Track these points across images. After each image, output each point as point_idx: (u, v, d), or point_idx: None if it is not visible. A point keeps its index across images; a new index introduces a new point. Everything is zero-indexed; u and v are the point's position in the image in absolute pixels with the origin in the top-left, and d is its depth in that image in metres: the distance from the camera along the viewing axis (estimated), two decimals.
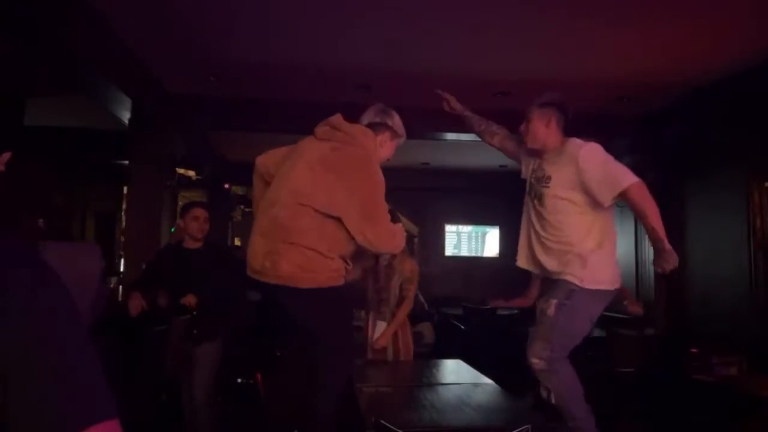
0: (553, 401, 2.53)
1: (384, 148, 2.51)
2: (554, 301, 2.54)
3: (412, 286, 3.62)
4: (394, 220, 2.53)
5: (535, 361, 2.53)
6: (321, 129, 2.44)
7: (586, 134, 6.16)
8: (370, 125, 2.48)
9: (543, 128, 2.78)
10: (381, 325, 3.65)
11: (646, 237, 6.05)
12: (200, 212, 3.54)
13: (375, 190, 2.31)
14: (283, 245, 2.25)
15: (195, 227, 3.51)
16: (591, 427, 2.52)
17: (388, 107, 2.59)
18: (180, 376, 3.62)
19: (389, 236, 2.37)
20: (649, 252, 5.71)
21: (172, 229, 6.68)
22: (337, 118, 2.43)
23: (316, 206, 2.25)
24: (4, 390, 0.66)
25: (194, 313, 3.43)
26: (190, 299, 3.41)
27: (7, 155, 0.85)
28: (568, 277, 2.53)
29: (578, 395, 2.53)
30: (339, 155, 2.32)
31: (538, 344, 2.54)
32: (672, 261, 2.51)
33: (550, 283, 2.68)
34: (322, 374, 2.36)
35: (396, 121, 2.57)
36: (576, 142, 2.71)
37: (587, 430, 2.51)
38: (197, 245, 3.57)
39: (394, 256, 3.45)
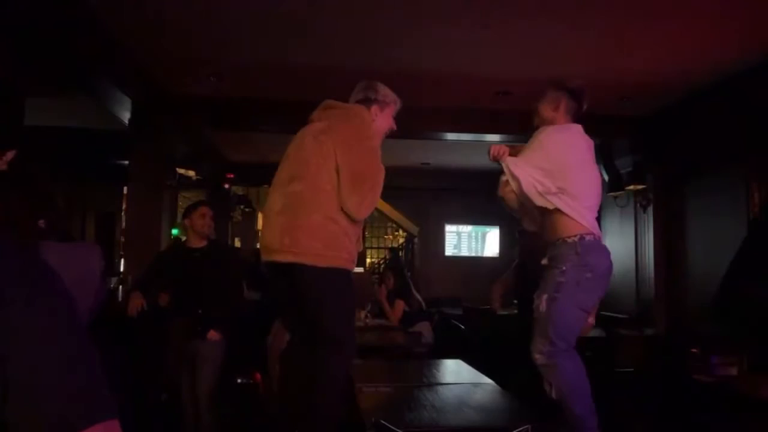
0: (553, 396, 2.53)
1: (379, 119, 2.55)
2: (544, 296, 2.56)
3: None
4: None
5: (537, 357, 2.54)
6: (316, 113, 2.56)
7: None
8: (358, 103, 2.57)
9: (551, 111, 2.83)
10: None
11: (646, 237, 6.06)
12: (206, 210, 3.64)
13: (364, 156, 2.34)
14: (304, 219, 2.26)
15: (201, 224, 3.58)
16: (592, 425, 2.52)
17: (373, 80, 2.65)
18: (181, 376, 3.62)
19: (367, 209, 2.37)
20: (649, 252, 5.71)
21: (175, 231, 6.68)
22: (331, 100, 2.56)
23: (329, 170, 2.28)
24: (3, 390, 0.66)
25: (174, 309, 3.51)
26: (163, 298, 3.50)
27: (10, 154, 0.85)
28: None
29: (580, 390, 2.53)
30: (337, 126, 2.40)
31: (538, 340, 2.56)
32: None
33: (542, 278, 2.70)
34: (323, 372, 2.31)
35: (381, 91, 2.61)
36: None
37: (586, 428, 2.51)
38: (201, 244, 3.59)
39: None
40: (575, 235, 2.57)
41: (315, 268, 2.23)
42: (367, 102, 2.56)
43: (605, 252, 2.67)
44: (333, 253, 2.26)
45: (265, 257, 2.37)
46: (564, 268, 2.54)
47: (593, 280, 2.56)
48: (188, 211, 3.69)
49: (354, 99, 2.61)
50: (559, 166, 2.62)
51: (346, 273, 2.33)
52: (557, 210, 2.63)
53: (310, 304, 2.34)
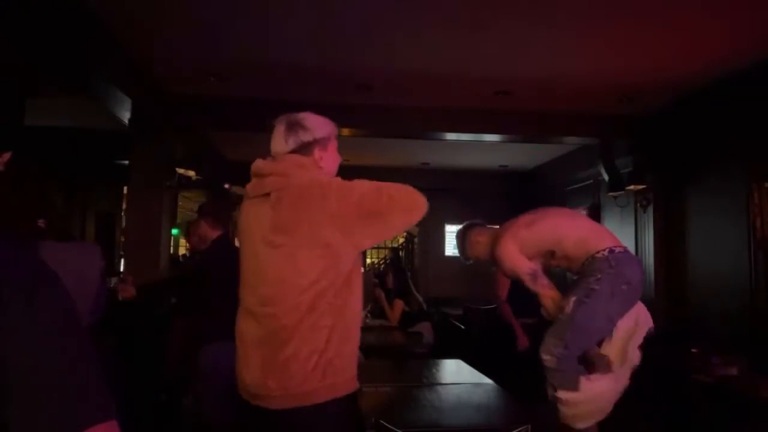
0: (557, 399, 2.53)
1: (324, 162, 1.85)
2: (573, 298, 2.54)
3: None
4: None
5: (547, 358, 2.53)
6: (250, 186, 1.92)
7: (587, 134, 6.16)
8: (292, 153, 1.84)
9: (480, 245, 3.01)
10: None
11: (646, 237, 6.05)
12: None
13: (354, 196, 1.71)
14: (292, 349, 1.65)
15: (193, 243, 4.06)
16: (592, 428, 2.52)
17: (291, 114, 1.89)
18: (180, 376, 3.62)
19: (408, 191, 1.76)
20: (649, 252, 5.71)
21: (175, 231, 6.69)
22: (256, 164, 1.92)
23: (312, 279, 1.66)
24: (4, 390, 0.66)
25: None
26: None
27: (7, 155, 0.85)
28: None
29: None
30: (287, 206, 1.73)
31: (551, 340, 2.54)
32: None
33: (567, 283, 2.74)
34: None
35: (313, 125, 1.86)
36: None
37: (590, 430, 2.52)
38: (203, 246, 3.73)
39: None
40: (604, 249, 2.58)
41: (316, 407, 1.65)
42: (304, 149, 1.83)
43: (638, 263, 2.72)
44: (332, 381, 1.69)
45: (248, 400, 1.76)
46: (599, 276, 2.52)
47: (629, 292, 2.56)
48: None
49: (284, 150, 1.86)
50: (545, 245, 2.71)
51: (353, 398, 1.78)
52: (568, 249, 2.69)
53: None
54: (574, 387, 2.51)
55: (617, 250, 2.59)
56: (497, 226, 2.97)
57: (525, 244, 2.67)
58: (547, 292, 2.64)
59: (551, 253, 2.69)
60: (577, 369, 2.54)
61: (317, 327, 1.66)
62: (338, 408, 1.68)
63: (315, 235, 1.68)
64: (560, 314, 2.57)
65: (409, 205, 1.74)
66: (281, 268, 1.70)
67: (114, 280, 5.62)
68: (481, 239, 2.95)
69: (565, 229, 2.71)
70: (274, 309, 1.69)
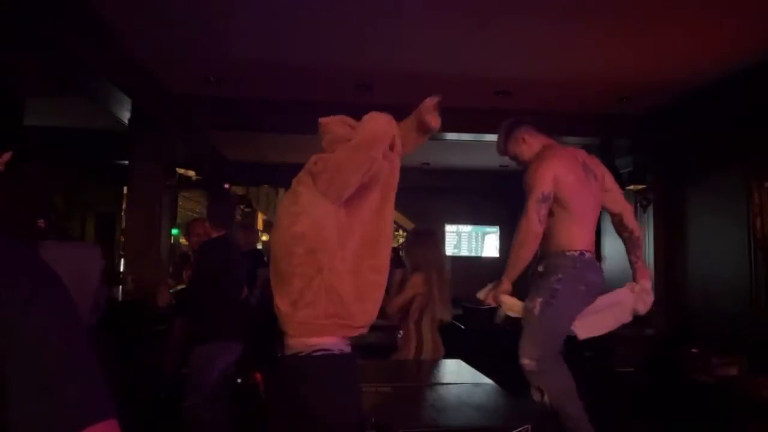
0: (547, 402, 2.53)
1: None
2: (539, 300, 2.59)
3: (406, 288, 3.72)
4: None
5: (527, 362, 2.55)
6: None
7: (587, 134, 6.16)
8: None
9: (521, 146, 2.88)
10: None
11: (646, 237, 6.04)
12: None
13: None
14: None
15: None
16: (587, 426, 2.53)
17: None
18: (180, 376, 3.62)
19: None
20: (649, 252, 5.71)
21: (175, 231, 6.68)
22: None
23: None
24: (3, 390, 0.66)
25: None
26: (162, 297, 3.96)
27: (7, 155, 0.85)
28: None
29: (572, 394, 2.55)
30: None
31: (527, 345, 2.57)
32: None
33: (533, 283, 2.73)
34: None
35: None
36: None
37: (583, 426, 2.52)
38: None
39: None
40: (576, 251, 2.64)
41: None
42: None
43: (600, 271, 2.75)
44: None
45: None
46: (560, 276, 2.58)
47: (586, 294, 2.64)
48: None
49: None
50: (557, 193, 2.65)
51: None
52: (559, 223, 2.67)
53: None
54: (558, 385, 2.54)
55: (587, 254, 2.66)
56: (547, 139, 2.83)
57: (557, 182, 2.62)
58: (537, 227, 2.59)
59: (550, 210, 2.64)
60: (558, 366, 2.57)
61: None
62: None
63: None
64: (529, 317, 2.60)
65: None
66: None
67: (120, 291, 5.64)
68: (529, 140, 2.81)
69: (579, 213, 2.68)
70: None
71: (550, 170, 2.62)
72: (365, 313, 1.79)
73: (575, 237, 2.66)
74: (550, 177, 2.60)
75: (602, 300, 2.72)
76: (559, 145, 2.86)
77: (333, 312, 1.73)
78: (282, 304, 1.76)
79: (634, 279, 2.84)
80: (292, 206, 1.80)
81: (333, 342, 1.75)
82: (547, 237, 2.67)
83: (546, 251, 2.71)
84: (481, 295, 2.78)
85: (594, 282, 2.66)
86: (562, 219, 2.66)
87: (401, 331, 3.79)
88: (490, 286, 2.76)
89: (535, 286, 2.67)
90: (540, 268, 2.70)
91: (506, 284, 2.67)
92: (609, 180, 2.86)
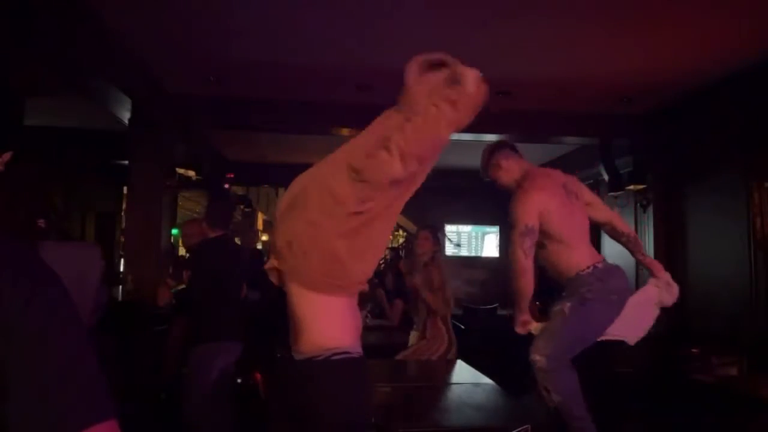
0: (553, 400, 2.53)
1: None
2: (568, 303, 2.63)
3: (428, 293, 3.88)
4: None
5: (538, 358, 2.55)
6: None
7: (587, 134, 6.16)
8: None
9: (504, 174, 2.97)
10: (413, 335, 4.08)
11: (646, 237, 6.04)
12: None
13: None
14: None
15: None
16: (590, 427, 2.53)
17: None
18: (180, 376, 3.62)
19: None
20: (649, 252, 5.71)
21: (175, 231, 6.68)
22: None
23: None
24: (3, 390, 0.66)
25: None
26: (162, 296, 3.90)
27: (7, 155, 0.85)
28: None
29: (577, 395, 2.55)
30: None
31: (543, 341, 2.58)
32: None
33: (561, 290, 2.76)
34: None
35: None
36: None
37: (587, 427, 2.52)
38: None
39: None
40: (587, 267, 2.68)
41: None
42: None
43: (622, 274, 2.78)
44: None
45: None
46: (590, 288, 2.62)
47: (617, 303, 2.67)
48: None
49: None
50: (545, 226, 2.68)
51: None
52: (556, 254, 2.71)
53: None
54: (566, 386, 2.54)
55: (599, 265, 2.70)
56: (526, 164, 2.88)
57: (542, 215, 2.65)
58: (524, 262, 2.60)
59: (541, 243, 2.69)
60: (567, 368, 2.57)
61: None
62: None
63: None
64: (555, 316, 2.62)
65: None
66: None
67: (120, 291, 5.65)
68: (507, 166, 2.87)
69: (573, 238, 2.72)
70: None
71: (533, 206, 2.66)
72: (362, 272, 1.67)
73: (578, 259, 2.72)
74: (533, 212, 2.65)
75: (633, 300, 2.77)
76: (538, 168, 2.92)
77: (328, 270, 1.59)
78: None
79: (652, 275, 2.88)
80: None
81: (349, 344, 1.67)
82: (554, 269, 2.76)
83: (560, 280, 2.76)
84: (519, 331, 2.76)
85: (622, 288, 2.72)
86: (559, 250, 2.72)
87: (417, 330, 3.90)
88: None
89: (564, 296, 2.71)
90: (564, 294, 2.74)
91: (523, 316, 2.70)
92: (587, 194, 2.89)
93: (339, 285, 1.63)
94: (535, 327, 2.71)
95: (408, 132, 1.55)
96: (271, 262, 1.68)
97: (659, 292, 2.85)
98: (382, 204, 1.61)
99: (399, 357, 3.93)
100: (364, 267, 1.69)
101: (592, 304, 2.58)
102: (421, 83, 1.66)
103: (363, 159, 1.55)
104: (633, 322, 2.76)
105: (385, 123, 1.65)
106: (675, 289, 2.87)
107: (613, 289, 2.66)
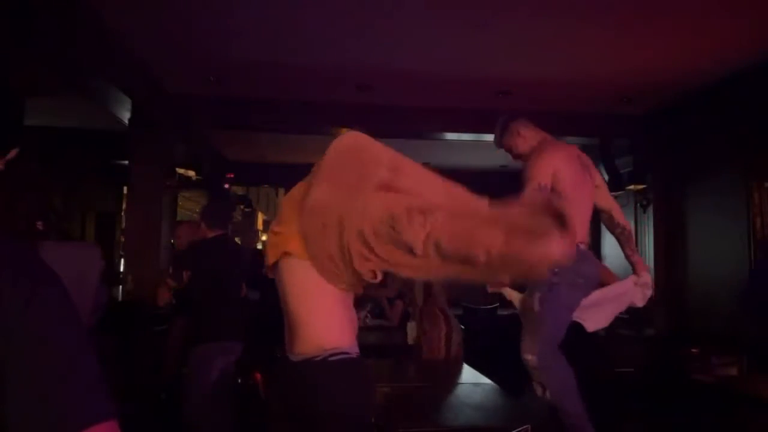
0: (548, 397, 2.54)
1: None
2: (537, 295, 2.63)
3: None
4: None
5: (529, 358, 2.58)
6: None
7: (586, 134, 6.15)
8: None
9: (519, 141, 2.97)
10: (410, 326, 4.06)
11: (646, 237, 6.04)
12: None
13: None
14: None
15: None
16: (586, 424, 2.53)
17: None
18: (180, 376, 3.62)
19: None
20: (649, 252, 5.71)
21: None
22: None
23: None
24: (3, 390, 0.66)
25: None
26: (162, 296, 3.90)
27: (13, 152, 0.85)
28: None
29: (572, 391, 2.55)
30: None
31: (530, 340, 2.61)
32: None
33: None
34: None
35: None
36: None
37: (583, 427, 2.52)
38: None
39: None
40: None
41: None
42: None
43: (595, 262, 2.79)
44: None
45: None
46: (557, 270, 2.59)
47: (584, 286, 2.68)
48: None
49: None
50: (555, 185, 2.68)
51: None
52: None
53: None
54: (561, 383, 2.55)
55: (581, 246, 2.67)
56: (543, 133, 2.93)
57: (556, 175, 2.66)
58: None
59: None
60: (562, 365, 2.58)
61: None
62: None
63: None
64: (528, 314, 2.64)
65: None
66: None
67: (120, 291, 5.65)
68: (524, 133, 2.90)
69: (575, 206, 2.71)
70: None
71: (549, 163, 2.67)
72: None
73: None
74: (549, 170, 2.65)
75: (609, 291, 2.80)
76: (554, 139, 2.94)
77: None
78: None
79: (635, 272, 2.89)
80: None
81: (347, 344, 1.63)
82: None
83: None
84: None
85: (590, 274, 2.71)
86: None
87: (414, 320, 3.91)
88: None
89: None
90: None
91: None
92: (598, 177, 2.97)
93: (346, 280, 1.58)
94: (508, 292, 2.73)
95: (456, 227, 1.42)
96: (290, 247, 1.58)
97: (635, 290, 2.85)
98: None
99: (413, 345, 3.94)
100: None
101: (558, 288, 2.58)
102: (528, 206, 1.56)
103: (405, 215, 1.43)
104: (601, 311, 2.77)
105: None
106: (649, 292, 2.88)
107: (582, 273, 2.64)
